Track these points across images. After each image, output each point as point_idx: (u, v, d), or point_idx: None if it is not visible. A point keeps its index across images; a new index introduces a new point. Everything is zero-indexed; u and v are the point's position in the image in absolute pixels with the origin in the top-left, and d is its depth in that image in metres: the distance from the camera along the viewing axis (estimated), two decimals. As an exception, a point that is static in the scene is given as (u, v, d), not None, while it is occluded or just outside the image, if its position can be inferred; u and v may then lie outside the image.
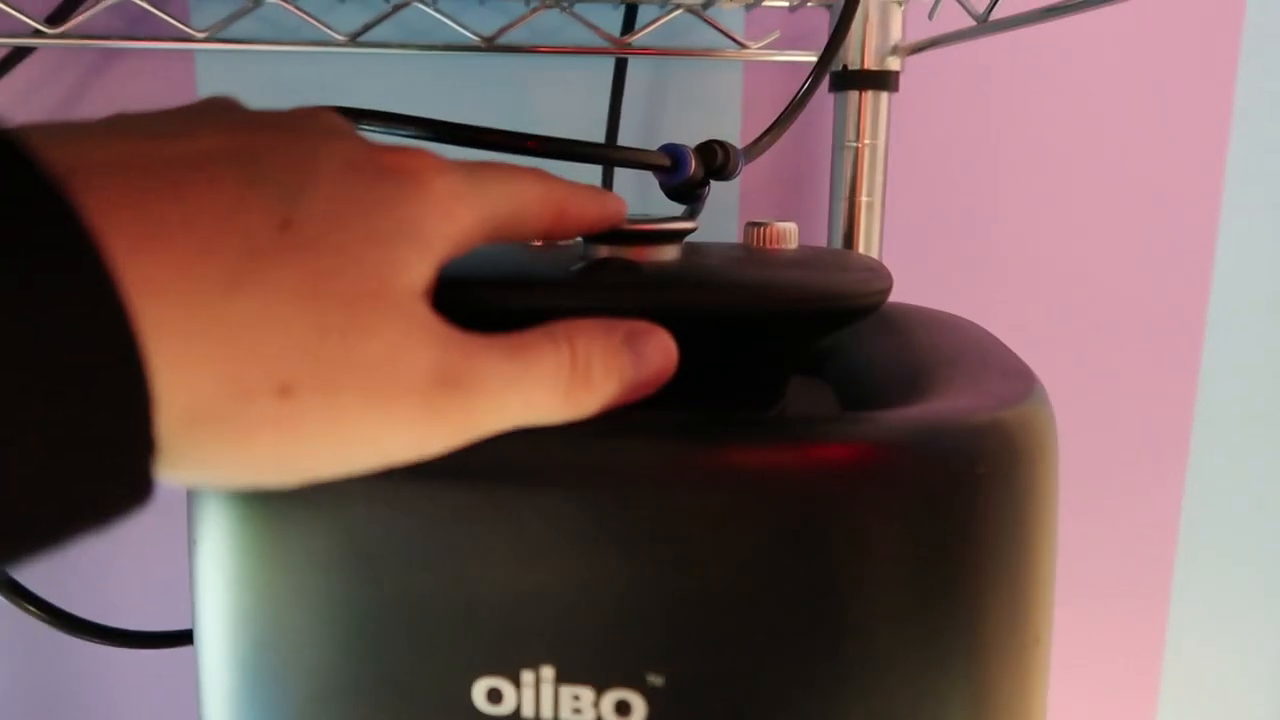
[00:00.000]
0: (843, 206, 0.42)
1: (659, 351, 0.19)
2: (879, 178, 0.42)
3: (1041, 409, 0.21)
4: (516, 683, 0.19)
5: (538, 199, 0.20)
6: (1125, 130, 0.47)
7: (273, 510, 0.20)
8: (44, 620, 0.35)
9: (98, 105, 0.43)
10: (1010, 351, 0.25)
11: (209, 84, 0.43)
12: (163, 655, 0.48)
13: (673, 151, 0.27)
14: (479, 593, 0.19)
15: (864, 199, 0.42)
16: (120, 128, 0.15)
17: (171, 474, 0.14)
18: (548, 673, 0.19)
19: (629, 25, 0.42)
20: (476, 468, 0.19)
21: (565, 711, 0.19)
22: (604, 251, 0.25)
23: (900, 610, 0.19)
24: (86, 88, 0.43)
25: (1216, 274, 0.48)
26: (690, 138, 0.47)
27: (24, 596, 0.35)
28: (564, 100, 0.45)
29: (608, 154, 0.26)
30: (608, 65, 0.44)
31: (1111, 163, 0.47)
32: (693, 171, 0.27)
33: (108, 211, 0.13)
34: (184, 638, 0.36)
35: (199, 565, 0.22)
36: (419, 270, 0.16)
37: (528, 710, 0.19)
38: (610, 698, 0.18)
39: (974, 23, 0.34)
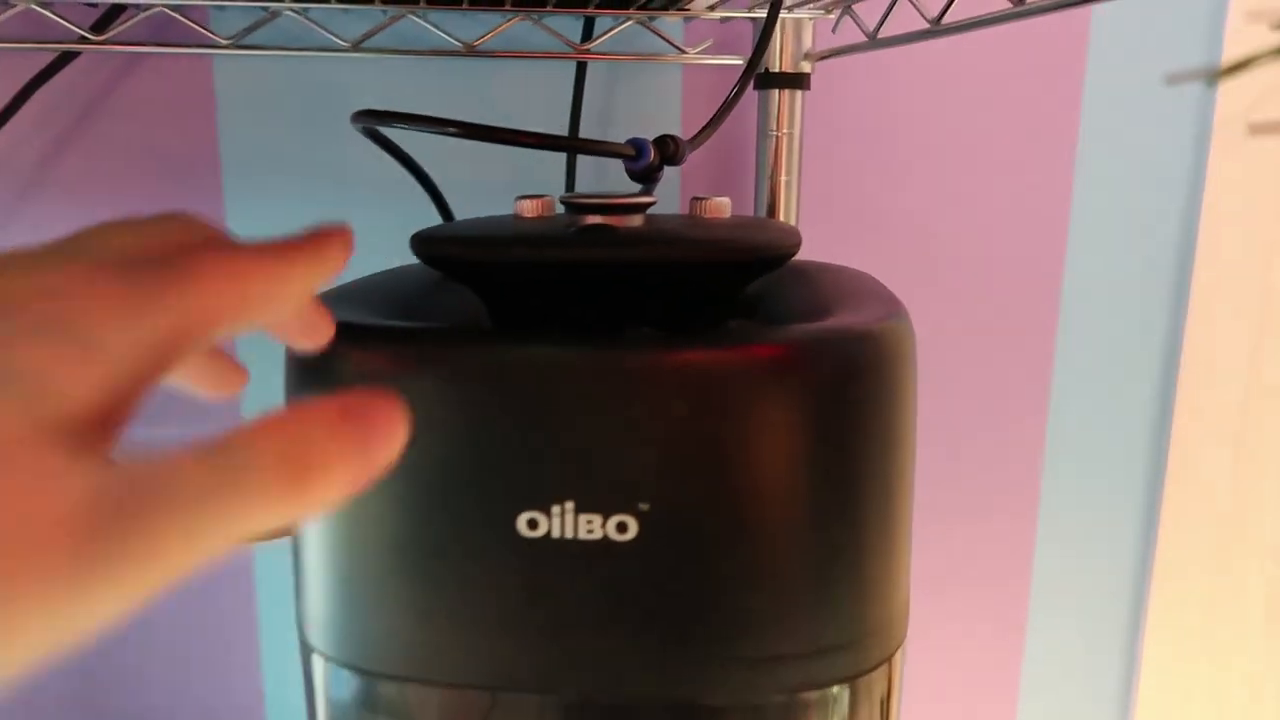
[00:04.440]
0: (766, 184, 0.51)
1: (388, 420, 0.18)
2: (795, 160, 0.51)
3: (902, 325, 0.30)
4: (548, 514, 0.27)
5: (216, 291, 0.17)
6: (990, 121, 0.57)
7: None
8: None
9: (123, 104, 0.50)
10: (887, 290, 0.35)
11: (225, 84, 0.50)
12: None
13: (637, 144, 0.35)
14: (521, 451, 0.27)
15: (783, 178, 0.51)
16: None
17: None
18: (570, 505, 0.27)
19: (588, 34, 0.51)
20: (521, 363, 0.27)
21: (582, 532, 0.27)
22: (588, 220, 0.33)
23: (803, 460, 0.28)
24: (113, 88, 0.50)
25: (1072, 221, 0.59)
26: (638, 129, 0.56)
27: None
28: (531, 97, 0.53)
29: (588, 146, 0.34)
30: (569, 68, 0.52)
31: (980, 145, 0.57)
32: (651, 159, 0.36)
33: None
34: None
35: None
36: (48, 413, 0.14)
37: (556, 533, 0.27)
38: (613, 520, 0.27)
39: (866, 38, 0.44)
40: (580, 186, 0.55)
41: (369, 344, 0.28)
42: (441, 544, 0.28)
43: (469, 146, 0.52)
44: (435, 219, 0.52)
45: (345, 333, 0.29)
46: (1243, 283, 0.60)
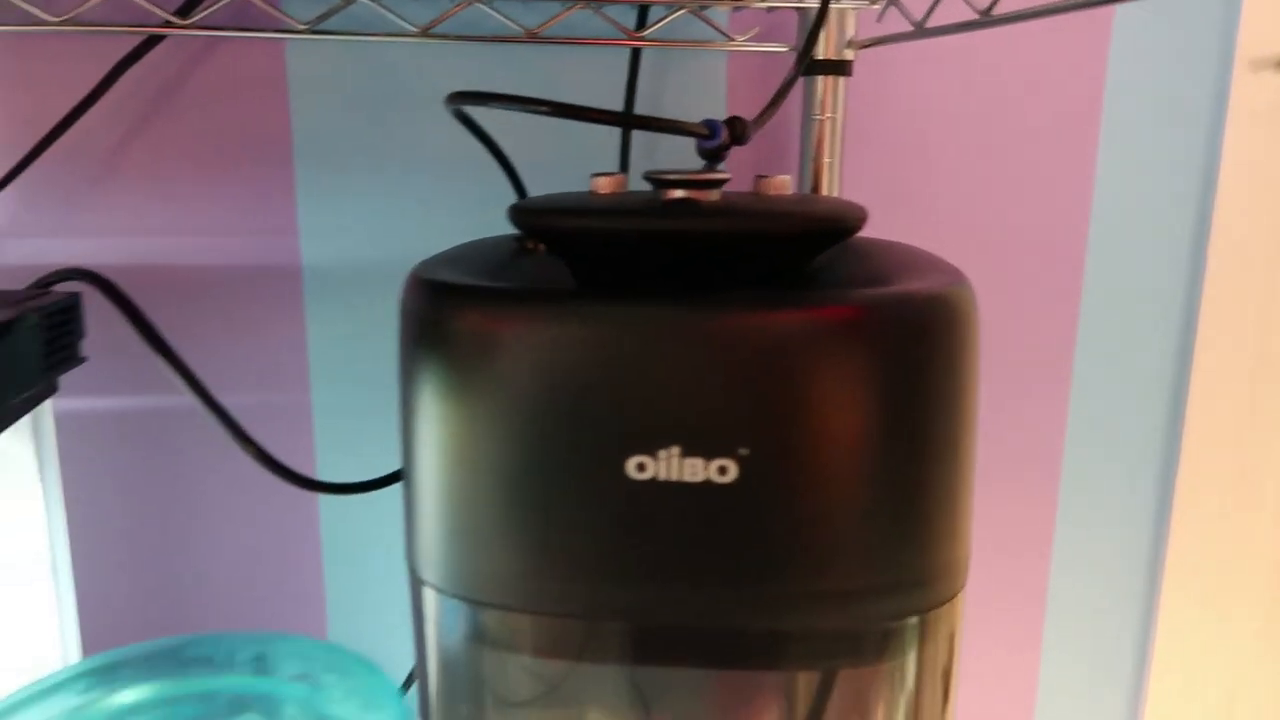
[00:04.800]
0: (810, 165, 0.54)
1: None
2: (838, 143, 0.54)
3: (967, 290, 0.33)
4: (655, 457, 0.30)
5: None
6: (1017, 109, 0.60)
7: (476, 354, 0.31)
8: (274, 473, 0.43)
9: (199, 88, 0.52)
10: (945, 261, 0.37)
11: (297, 67, 0.52)
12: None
13: (711, 124, 0.38)
14: (632, 400, 0.30)
15: (826, 160, 0.54)
16: None
17: None
18: (675, 450, 0.30)
19: (641, 22, 0.53)
20: (632, 323, 0.30)
21: (686, 475, 0.30)
22: (671, 194, 0.36)
23: (884, 411, 0.31)
24: (190, 72, 0.52)
25: (1095, 200, 0.62)
26: (686, 114, 0.59)
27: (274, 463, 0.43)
28: (585, 82, 0.55)
29: (668, 125, 0.36)
30: (620, 54, 0.54)
31: (1007, 133, 0.60)
32: (724, 138, 0.38)
33: None
34: (389, 480, 0.45)
35: (417, 405, 0.32)
36: None
37: (662, 475, 0.30)
38: (715, 464, 0.30)
39: (912, 28, 0.46)
40: (635, 165, 0.58)
41: (490, 304, 0.31)
42: (556, 486, 0.31)
43: (523, 128, 0.55)
44: (497, 196, 0.55)
45: (464, 294, 0.32)
46: (1254, 266, 0.64)
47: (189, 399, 0.54)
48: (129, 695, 0.21)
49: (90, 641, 0.54)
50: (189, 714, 0.21)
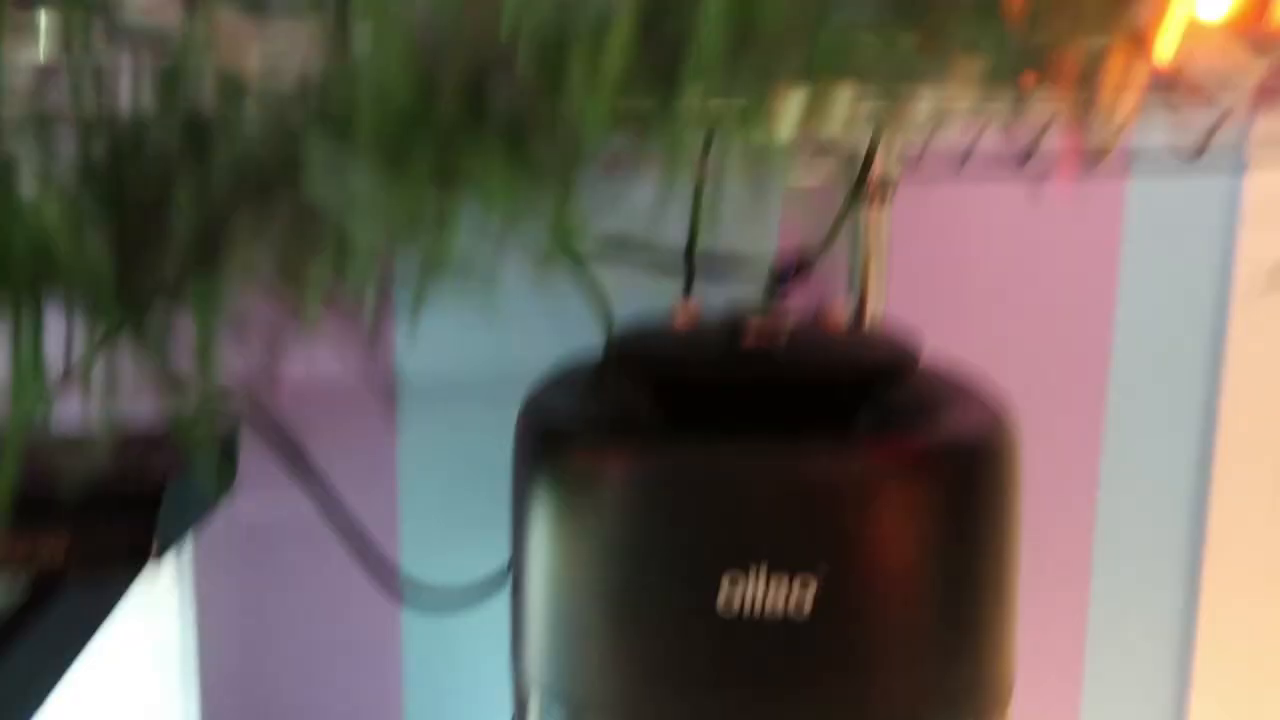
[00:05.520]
0: (858, 286, 0.59)
1: None
2: (881, 264, 0.59)
3: (1012, 429, 0.38)
4: (746, 573, 0.35)
5: None
6: (1042, 242, 0.65)
7: (579, 496, 0.36)
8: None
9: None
10: (987, 387, 0.42)
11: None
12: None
13: (782, 265, 0.44)
14: (725, 526, 0.34)
15: (872, 282, 0.59)
16: None
17: None
18: (763, 567, 0.34)
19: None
20: (714, 462, 0.35)
21: (772, 591, 0.35)
22: (750, 321, 0.41)
23: (938, 537, 0.35)
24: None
25: (1116, 329, 0.66)
26: (738, 233, 0.63)
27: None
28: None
29: (746, 270, 0.42)
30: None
31: (1034, 260, 0.65)
32: (791, 278, 0.44)
33: None
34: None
35: (529, 531, 0.37)
36: None
37: (749, 595, 0.35)
38: (798, 579, 0.34)
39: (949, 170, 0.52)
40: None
41: (593, 447, 0.36)
42: (654, 609, 0.35)
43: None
44: (580, 313, 0.60)
45: (570, 439, 0.37)
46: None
47: (294, 511, 0.60)
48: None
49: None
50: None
